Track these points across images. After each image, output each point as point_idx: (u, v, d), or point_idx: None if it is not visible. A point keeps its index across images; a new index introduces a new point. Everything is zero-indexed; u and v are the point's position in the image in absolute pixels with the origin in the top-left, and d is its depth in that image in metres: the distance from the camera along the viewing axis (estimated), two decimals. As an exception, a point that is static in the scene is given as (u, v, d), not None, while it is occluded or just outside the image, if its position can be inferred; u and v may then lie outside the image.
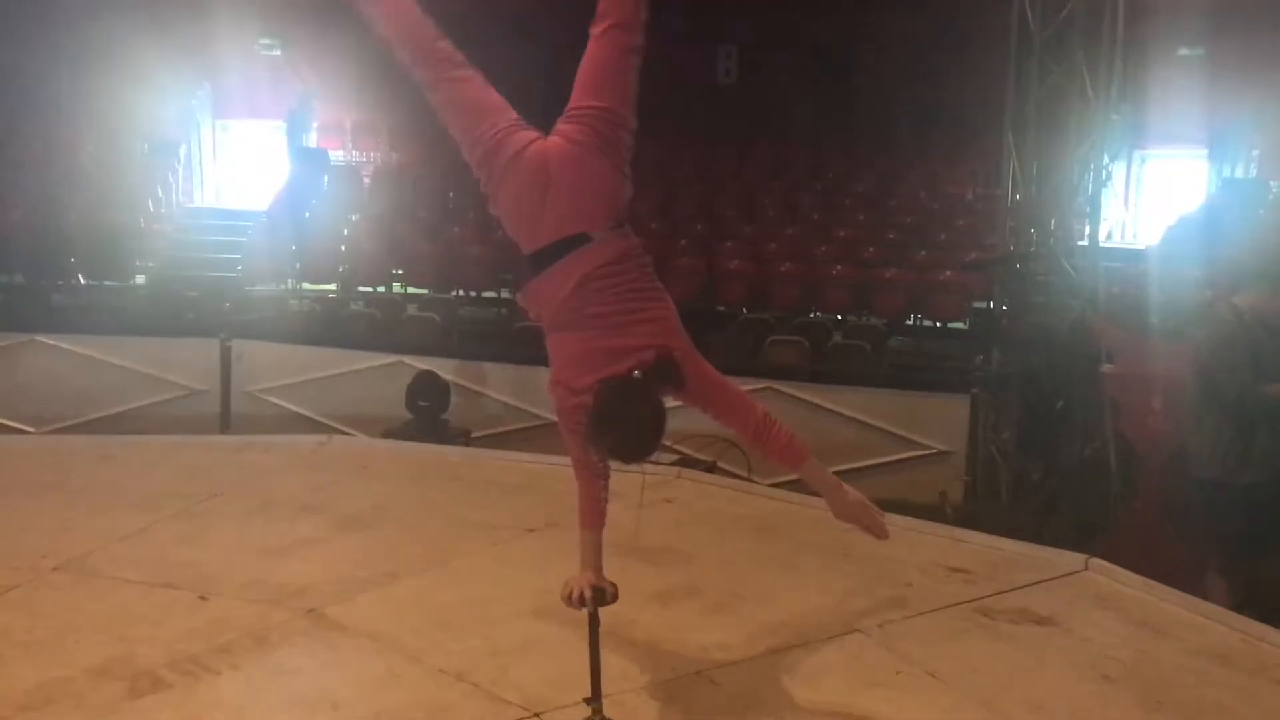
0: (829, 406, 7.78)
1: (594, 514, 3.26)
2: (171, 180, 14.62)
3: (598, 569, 3.28)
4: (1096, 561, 4.78)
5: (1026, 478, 6.96)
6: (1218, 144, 14.10)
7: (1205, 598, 4.51)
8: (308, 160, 14.62)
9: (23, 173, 13.40)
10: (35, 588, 4.22)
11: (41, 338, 8.59)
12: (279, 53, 15.65)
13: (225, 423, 8.37)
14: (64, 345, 8.51)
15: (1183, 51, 13.76)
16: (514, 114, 3.07)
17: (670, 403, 3.04)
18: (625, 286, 3.02)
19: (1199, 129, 14.08)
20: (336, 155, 15.52)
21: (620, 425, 2.90)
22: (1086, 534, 6.13)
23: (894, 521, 5.27)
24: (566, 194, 2.98)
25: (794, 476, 6.61)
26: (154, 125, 14.75)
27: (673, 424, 3.00)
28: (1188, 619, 4.28)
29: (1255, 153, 13.91)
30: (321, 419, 8.26)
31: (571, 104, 3.06)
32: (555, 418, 3.22)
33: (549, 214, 3.00)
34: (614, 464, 3.02)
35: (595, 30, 3.06)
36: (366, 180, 15.14)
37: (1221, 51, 13.74)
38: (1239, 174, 13.94)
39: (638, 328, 2.99)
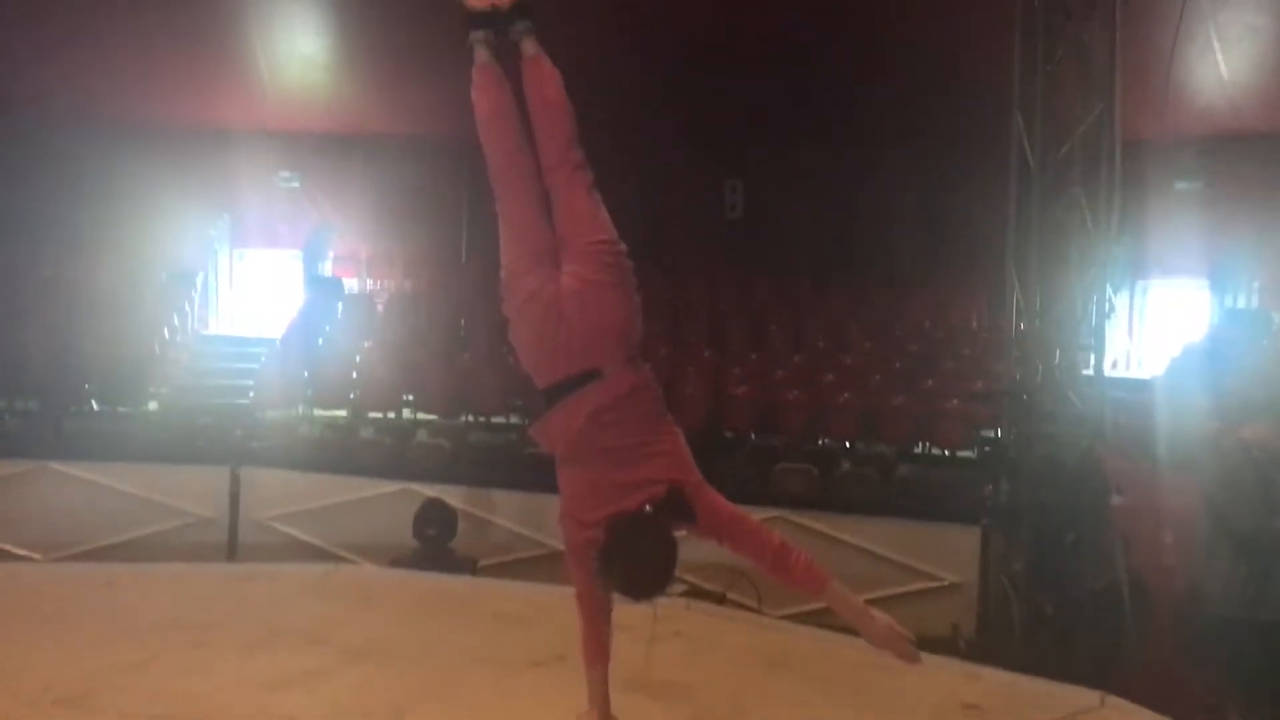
0: (839, 536, 7.74)
1: (598, 650, 3.24)
2: (188, 308, 14.86)
3: (605, 707, 3.25)
4: (1112, 699, 4.70)
5: (1039, 611, 6.86)
6: (1219, 274, 14.28)
7: (1225, 738, 4.42)
8: (322, 288, 14.89)
9: (42, 301, 13.64)
10: (36, 721, 4.17)
11: (54, 465, 8.63)
12: (298, 185, 16.08)
13: (232, 551, 8.34)
14: (74, 472, 8.54)
15: (1181, 185, 14.05)
16: (541, 243, 3.17)
17: (681, 533, 3.05)
18: (636, 420, 3.08)
19: (1200, 260, 14.29)
20: (351, 284, 15.80)
21: (631, 561, 2.91)
22: (1101, 669, 6.02)
23: (905, 657, 5.24)
24: (581, 332, 3.06)
25: (807, 607, 6.56)
26: (173, 254, 15.05)
27: (681, 553, 3.01)
28: (1208, 761, 4.19)
29: (1256, 283, 14.07)
30: (329, 547, 8.23)
31: (571, 241, 3.17)
32: (563, 548, 3.23)
33: (563, 352, 3.07)
34: (625, 600, 3.02)
35: (557, 179, 3.19)
36: (380, 308, 15.38)
37: (1219, 184, 14.05)
38: (1241, 304, 14.08)
39: (648, 462, 3.03)
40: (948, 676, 5.02)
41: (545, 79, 3.24)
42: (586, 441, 3.06)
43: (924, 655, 5.15)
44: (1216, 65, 13.07)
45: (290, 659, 4.97)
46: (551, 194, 3.21)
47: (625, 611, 3.20)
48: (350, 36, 14.54)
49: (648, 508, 2.93)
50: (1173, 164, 13.53)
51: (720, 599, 7.13)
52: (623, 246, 3.21)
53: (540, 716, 4.07)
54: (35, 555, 7.92)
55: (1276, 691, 4.72)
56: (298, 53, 14.87)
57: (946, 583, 7.59)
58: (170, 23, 13.60)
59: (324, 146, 15.67)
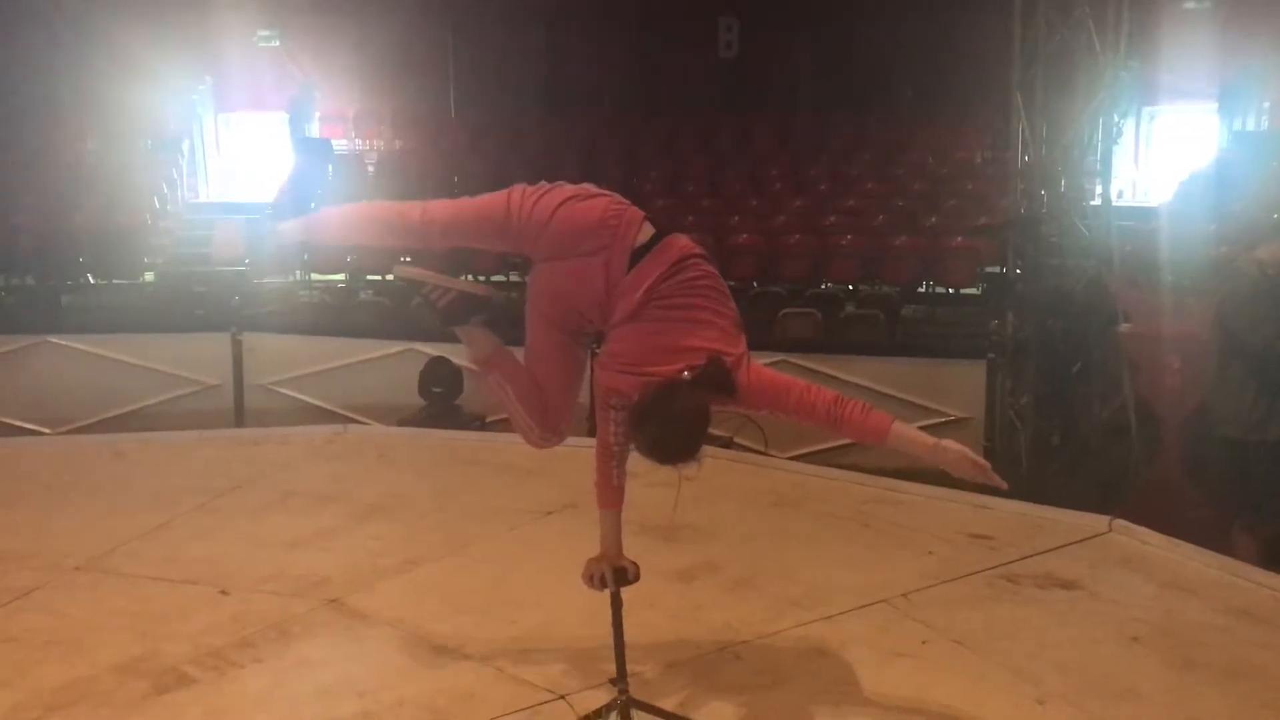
0: (844, 377, 7.71)
1: (610, 493, 3.24)
2: (176, 176, 14.58)
3: (618, 549, 3.26)
4: (1120, 523, 4.75)
5: (1046, 441, 6.90)
6: (1228, 97, 13.92)
7: (1230, 555, 4.47)
8: (311, 150, 14.47)
9: (27, 175, 13.38)
10: (57, 588, 4.23)
11: (53, 339, 8.57)
12: (278, 44, 15.61)
13: (239, 417, 8.35)
14: (75, 345, 8.49)
15: (1190, 4, 13.58)
16: None
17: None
18: (690, 289, 3.01)
19: (1208, 82, 13.89)
20: (339, 145, 15.47)
21: (662, 425, 2.86)
22: (1108, 496, 6.09)
23: (915, 490, 5.29)
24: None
25: (812, 447, 6.57)
26: (156, 121, 14.72)
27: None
28: (1214, 577, 4.26)
29: (1266, 105, 13.73)
30: (336, 409, 8.25)
31: None
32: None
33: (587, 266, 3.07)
34: (650, 461, 2.97)
35: None
36: (370, 169, 15.10)
37: (1229, 2, 13.57)
38: (1250, 127, 13.77)
39: (697, 329, 2.96)
40: (957, 509, 5.08)
41: None
42: (643, 309, 2.98)
43: (930, 489, 5.23)
44: None
45: (304, 519, 5.02)
46: None
47: (636, 459, 3.18)
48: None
49: (686, 374, 2.87)
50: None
51: (727, 443, 7.17)
52: (522, 189, 3.38)
53: (553, 561, 4.11)
54: (43, 429, 7.95)
55: (1281, 510, 4.76)
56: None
57: (953, 418, 7.59)
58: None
59: (302, 0, 15.14)
